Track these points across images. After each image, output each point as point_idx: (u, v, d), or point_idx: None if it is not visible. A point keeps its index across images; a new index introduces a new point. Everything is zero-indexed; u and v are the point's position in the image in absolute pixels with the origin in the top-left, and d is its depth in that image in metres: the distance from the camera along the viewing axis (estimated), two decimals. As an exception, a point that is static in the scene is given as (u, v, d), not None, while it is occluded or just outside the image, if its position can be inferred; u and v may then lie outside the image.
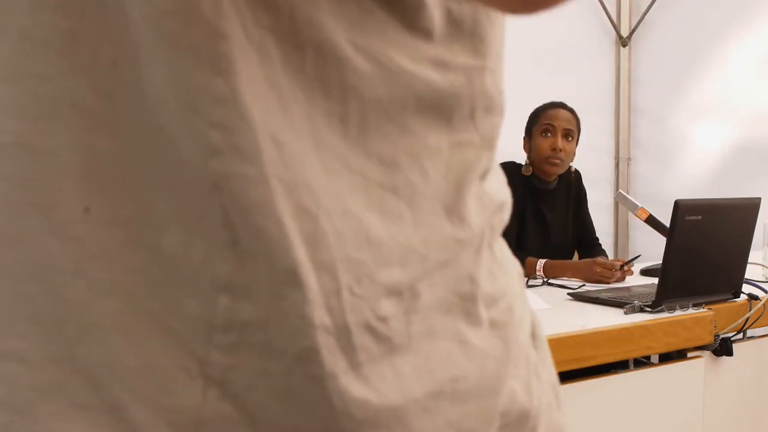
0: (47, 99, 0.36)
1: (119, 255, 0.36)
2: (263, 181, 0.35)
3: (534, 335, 0.51)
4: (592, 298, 1.99)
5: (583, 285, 2.26)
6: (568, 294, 2.07)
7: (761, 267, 2.39)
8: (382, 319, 0.38)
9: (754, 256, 2.15)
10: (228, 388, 0.37)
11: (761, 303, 1.99)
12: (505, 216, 0.48)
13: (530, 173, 2.57)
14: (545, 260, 2.39)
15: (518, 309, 0.48)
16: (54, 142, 0.36)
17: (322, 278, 0.36)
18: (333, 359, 0.36)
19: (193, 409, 0.36)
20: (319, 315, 0.36)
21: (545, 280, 2.34)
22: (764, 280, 2.28)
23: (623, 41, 4.13)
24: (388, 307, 0.38)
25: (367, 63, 0.37)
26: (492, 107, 0.45)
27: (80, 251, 0.36)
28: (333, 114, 0.37)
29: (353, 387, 0.37)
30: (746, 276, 2.07)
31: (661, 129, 4.02)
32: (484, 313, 0.44)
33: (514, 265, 0.50)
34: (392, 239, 0.39)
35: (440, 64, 0.40)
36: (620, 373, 1.79)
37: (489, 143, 0.45)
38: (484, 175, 0.45)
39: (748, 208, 2.02)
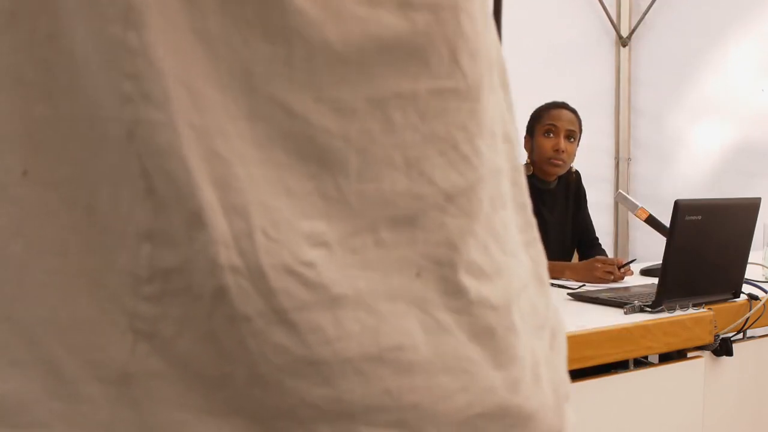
0: None
1: (56, 214, 0.38)
2: (171, 126, 0.36)
3: (553, 334, 0.49)
4: (592, 298, 1.99)
5: (583, 285, 2.26)
6: (568, 294, 2.07)
7: (761, 267, 2.39)
8: (308, 264, 0.37)
9: (754, 256, 2.15)
10: (156, 341, 0.37)
11: (761, 303, 1.99)
12: (502, 187, 0.45)
13: (531, 173, 2.57)
14: (545, 261, 2.39)
15: (527, 296, 0.46)
16: None
17: (233, 220, 0.36)
18: (245, 300, 0.36)
19: (122, 363, 0.37)
20: (227, 255, 0.36)
21: (545, 280, 2.33)
22: (764, 280, 2.28)
23: (623, 41, 4.13)
24: (314, 254, 0.38)
25: (313, 6, 0.37)
26: (477, 52, 0.42)
27: (19, 212, 0.38)
28: (277, 58, 0.37)
29: (271, 331, 0.37)
30: (746, 276, 2.07)
31: (661, 129, 4.02)
32: (471, 285, 0.42)
33: (532, 250, 0.48)
34: (318, 191, 0.38)
35: (403, 4, 0.39)
36: (620, 373, 1.79)
37: (476, 94, 0.42)
38: (465, 130, 0.42)
39: (748, 208, 2.02)
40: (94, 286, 0.37)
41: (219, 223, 0.36)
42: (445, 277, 0.41)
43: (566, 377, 0.50)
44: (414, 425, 0.40)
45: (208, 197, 0.36)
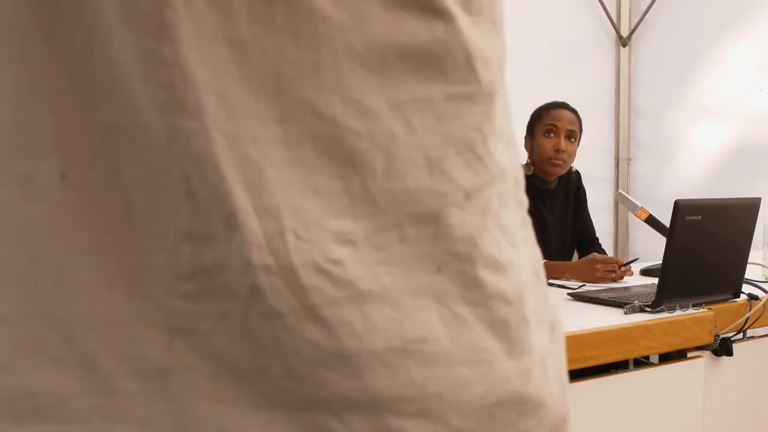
0: (30, 81, 0.40)
1: (93, 216, 0.39)
2: (205, 133, 0.37)
3: (553, 327, 0.51)
4: (592, 298, 1.99)
5: (583, 285, 2.26)
6: (568, 294, 2.07)
7: (761, 267, 2.39)
8: (335, 262, 0.39)
9: (754, 256, 2.15)
10: (192, 337, 0.39)
11: (761, 303, 1.99)
12: (507, 186, 0.47)
13: (531, 172, 2.57)
14: (544, 261, 2.38)
15: (531, 290, 0.48)
16: (35, 118, 0.40)
17: (265, 222, 0.38)
18: (278, 297, 0.38)
19: (158, 358, 0.39)
20: (260, 255, 0.38)
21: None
22: (764, 280, 2.28)
23: (623, 41, 4.13)
24: (341, 252, 0.40)
25: (340, 12, 0.39)
26: (490, 59, 0.45)
27: (57, 214, 0.40)
28: (306, 62, 0.39)
29: (303, 326, 0.39)
30: (746, 276, 2.07)
31: (661, 129, 4.02)
32: (488, 279, 0.44)
33: (529, 247, 0.50)
34: (346, 190, 0.40)
35: (425, 10, 0.41)
36: (620, 373, 1.79)
37: (489, 98, 0.45)
38: (480, 132, 0.45)
39: (748, 208, 2.02)
40: (130, 285, 0.39)
41: (252, 225, 0.38)
42: (465, 271, 0.43)
43: (566, 368, 0.52)
44: (437, 414, 0.42)
45: (241, 201, 0.38)
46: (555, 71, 3.69)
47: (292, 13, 0.38)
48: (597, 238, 2.79)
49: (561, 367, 0.51)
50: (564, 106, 2.59)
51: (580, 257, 2.68)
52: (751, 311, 1.98)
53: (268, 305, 0.38)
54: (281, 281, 0.38)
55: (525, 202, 0.51)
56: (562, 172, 2.59)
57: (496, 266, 0.45)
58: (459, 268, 0.43)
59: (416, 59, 0.41)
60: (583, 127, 2.64)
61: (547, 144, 2.53)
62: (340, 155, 0.40)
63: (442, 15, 0.42)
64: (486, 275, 0.44)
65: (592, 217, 2.81)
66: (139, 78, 0.38)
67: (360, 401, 0.40)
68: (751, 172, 3.56)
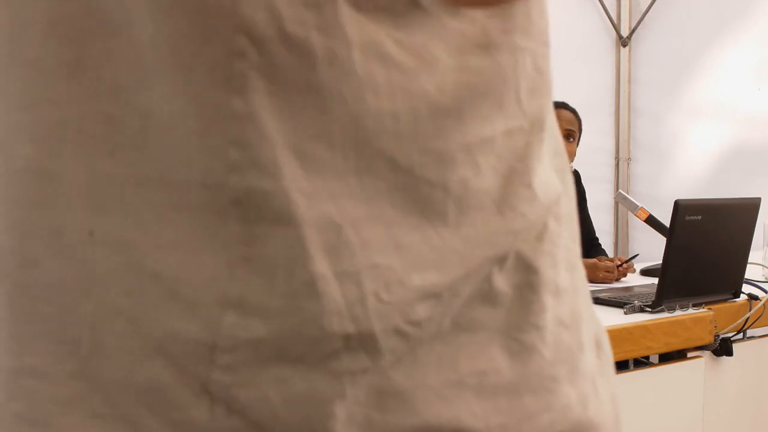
0: (55, 125, 0.37)
1: (121, 278, 0.37)
2: (283, 194, 0.35)
3: (598, 344, 0.50)
4: (592, 298, 1.99)
5: (583, 285, 2.25)
6: (568, 294, 2.07)
7: (761, 267, 2.39)
8: (415, 324, 0.38)
9: (754, 256, 2.15)
10: (234, 403, 0.37)
11: (761, 303, 1.99)
12: (562, 204, 0.46)
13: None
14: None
15: (582, 309, 0.47)
16: (61, 166, 0.37)
17: (346, 287, 0.36)
18: (354, 361, 0.37)
19: (203, 424, 0.37)
20: (340, 324, 0.36)
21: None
22: (764, 280, 2.28)
23: (623, 41, 4.13)
24: (423, 310, 0.38)
25: (410, 60, 0.37)
26: (535, 88, 0.43)
27: (86, 273, 0.37)
28: (383, 113, 0.37)
29: (369, 378, 0.38)
30: (746, 276, 2.07)
31: (661, 129, 4.02)
32: (550, 303, 0.43)
33: (579, 262, 0.49)
34: (426, 242, 0.38)
35: (485, 46, 0.40)
36: (620, 373, 1.79)
37: (539, 126, 0.44)
38: (536, 161, 0.43)
39: (748, 208, 2.02)
40: (160, 352, 0.37)
41: (332, 292, 0.36)
42: (528, 298, 0.42)
43: (614, 384, 0.51)
44: None
45: (321, 266, 0.36)
46: (555, 71, 3.68)
47: (369, 59, 0.36)
48: (597, 239, 2.79)
49: (610, 385, 0.50)
50: (563, 105, 2.60)
51: (580, 257, 2.68)
52: (751, 311, 1.98)
53: (340, 365, 0.37)
54: (359, 345, 0.37)
55: (576, 216, 0.50)
56: (562, 171, 2.59)
57: (556, 291, 0.44)
58: (523, 296, 0.42)
59: (482, 97, 0.40)
60: (583, 128, 2.64)
61: (546, 144, 2.53)
62: (415, 207, 0.38)
63: (504, 46, 0.41)
64: (548, 300, 0.43)
65: (592, 217, 2.81)
66: (195, 130, 0.35)
67: None
68: (751, 172, 3.56)
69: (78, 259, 0.37)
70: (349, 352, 0.37)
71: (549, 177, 0.45)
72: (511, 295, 0.42)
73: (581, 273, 0.48)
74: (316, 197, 0.36)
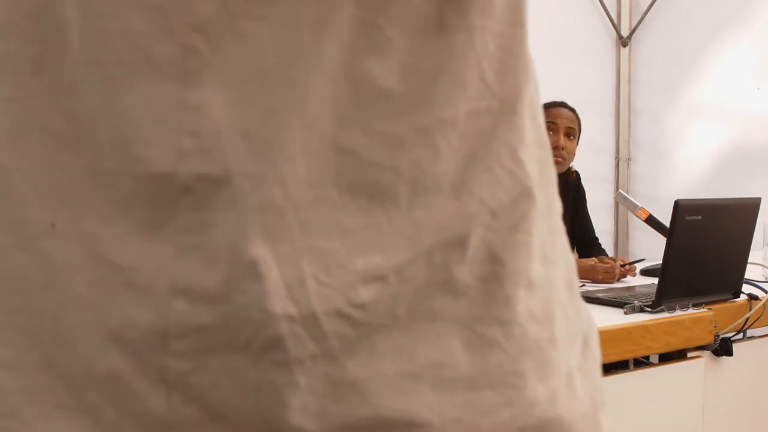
0: (18, 121, 0.38)
1: (81, 269, 0.38)
2: (228, 179, 0.36)
3: (586, 342, 0.49)
4: (592, 298, 1.99)
5: (584, 285, 2.26)
6: (568, 294, 2.07)
7: (761, 267, 2.39)
8: (359, 306, 0.38)
9: (754, 256, 2.15)
10: (190, 391, 0.37)
11: (761, 303, 1.99)
12: (540, 195, 0.45)
13: (530, 173, 2.57)
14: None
15: (556, 304, 0.46)
16: (24, 160, 0.38)
17: (285, 270, 0.37)
18: (299, 345, 0.37)
19: (161, 414, 0.37)
20: (282, 305, 0.37)
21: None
22: (764, 280, 2.28)
23: (623, 41, 4.13)
24: (366, 293, 0.38)
25: (364, 41, 0.38)
26: (505, 68, 0.43)
27: (47, 265, 0.38)
28: (325, 96, 0.37)
29: (319, 367, 0.38)
30: (746, 276, 2.07)
31: (661, 129, 4.02)
32: (519, 296, 0.42)
33: (564, 255, 0.48)
34: (372, 226, 0.38)
35: (439, 26, 0.40)
36: (620, 373, 1.79)
37: (511, 108, 0.43)
38: (503, 145, 0.43)
39: (748, 208, 2.02)
40: (118, 341, 0.37)
41: (272, 274, 0.36)
42: (493, 291, 0.41)
43: (600, 384, 0.50)
44: None
45: (262, 249, 0.36)
46: (555, 71, 3.69)
47: (318, 42, 0.37)
48: (597, 238, 2.79)
49: (593, 384, 0.48)
50: (562, 104, 2.60)
51: (580, 257, 2.68)
52: (751, 311, 1.98)
53: (287, 354, 0.37)
54: (302, 329, 0.37)
55: (559, 208, 0.48)
56: (562, 169, 2.59)
57: (528, 284, 0.43)
58: (487, 288, 0.41)
59: (440, 78, 0.40)
60: (583, 128, 2.64)
61: (546, 142, 2.53)
62: (363, 189, 0.38)
63: (460, 26, 0.40)
64: (517, 293, 0.42)
65: (592, 217, 2.81)
66: (149, 123, 0.36)
67: (375, 429, 0.38)
68: (750, 171, 3.56)
69: (40, 251, 0.38)
70: (294, 338, 0.37)
71: (526, 165, 0.44)
72: (474, 287, 0.41)
73: (562, 267, 0.47)
74: (262, 180, 0.36)
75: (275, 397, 0.37)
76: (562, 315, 0.46)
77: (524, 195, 0.43)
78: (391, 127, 0.39)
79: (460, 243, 0.41)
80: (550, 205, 0.47)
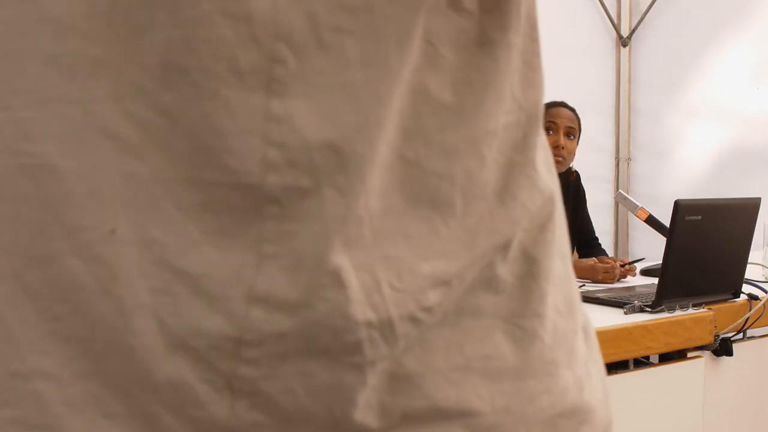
0: (74, 123, 0.36)
1: (144, 275, 0.37)
2: (317, 191, 0.36)
3: (586, 331, 0.51)
4: (592, 298, 1.99)
5: (584, 285, 2.26)
6: (568, 294, 2.07)
7: (761, 267, 2.39)
8: (427, 310, 0.40)
9: (754, 256, 2.15)
10: (257, 397, 0.37)
11: (761, 303, 1.99)
12: (555, 198, 0.48)
13: (530, 173, 2.57)
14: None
15: (574, 296, 0.49)
16: (81, 164, 0.36)
17: (362, 277, 0.38)
18: (375, 349, 0.38)
19: (223, 420, 0.37)
20: (363, 311, 0.37)
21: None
22: (764, 280, 2.28)
23: (623, 41, 4.13)
24: (434, 296, 0.40)
25: (421, 56, 0.39)
26: (528, 82, 0.45)
27: (106, 271, 0.37)
28: (394, 108, 0.38)
29: (386, 366, 0.39)
30: (746, 276, 2.07)
31: (661, 129, 4.02)
32: (548, 291, 0.45)
33: (568, 251, 0.51)
34: (433, 232, 0.40)
35: (482, 43, 0.42)
36: (620, 373, 1.79)
37: (535, 119, 0.45)
38: (534, 152, 0.45)
39: (748, 208, 2.02)
40: (182, 348, 0.37)
41: (353, 282, 0.37)
42: (529, 287, 0.44)
43: (604, 372, 0.53)
44: (506, 427, 0.42)
45: (342, 258, 0.37)
46: (555, 71, 3.67)
47: (402, 59, 0.38)
48: (597, 238, 2.79)
49: (601, 372, 0.51)
50: (562, 104, 2.60)
51: (580, 257, 2.68)
52: (751, 311, 1.98)
53: (363, 358, 0.38)
54: (379, 333, 0.38)
55: (563, 210, 0.52)
56: (562, 169, 2.59)
57: (553, 280, 0.46)
58: (525, 284, 0.44)
59: (487, 92, 0.42)
60: (583, 128, 2.64)
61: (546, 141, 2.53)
62: (424, 198, 0.40)
63: (502, 43, 0.42)
64: (547, 288, 0.45)
65: (592, 217, 2.81)
66: (232, 134, 0.36)
67: (432, 419, 0.40)
68: (750, 171, 3.56)
69: (97, 258, 0.37)
70: (371, 342, 0.38)
71: (541, 168, 0.47)
72: (513, 284, 0.43)
73: (570, 261, 0.51)
74: (349, 193, 0.37)
75: (346, 397, 0.38)
76: (577, 307, 0.49)
77: (551, 197, 0.47)
78: (447, 138, 0.40)
79: (506, 246, 0.43)
80: (560, 204, 0.50)
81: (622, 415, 1.77)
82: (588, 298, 2.00)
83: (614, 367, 1.78)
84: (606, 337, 1.67)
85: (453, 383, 0.41)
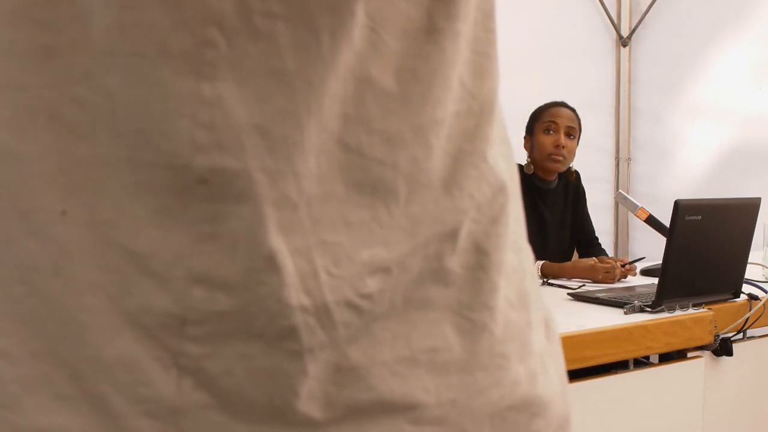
0: (25, 109, 0.38)
1: (95, 255, 0.38)
2: (245, 173, 0.37)
3: (547, 325, 0.51)
4: (592, 298, 2.00)
5: (583, 285, 2.26)
6: (568, 294, 2.07)
7: (761, 267, 2.39)
8: (366, 296, 0.40)
9: (754, 256, 2.15)
10: (202, 376, 0.38)
11: (761, 303, 1.99)
12: (510, 188, 0.48)
13: (531, 172, 2.57)
14: (543, 261, 2.39)
15: (529, 289, 0.49)
16: (32, 148, 0.38)
17: (298, 262, 0.38)
18: (311, 335, 0.38)
19: (170, 399, 0.38)
20: (297, 296, 0.38)
21: (545, 280, 2.34)
22: (764, 280, 2.28)
23: (623, 41, 4.13)
24: (373, 283, 0.40)
25: (365, 43, 0.39)
26: (481, 71, 0.45)
27: (58, 251, 0.38)
28: (335, 96, 0.39)
29: (327, 355, 0.39)
30: (746, 276, 2.07)
31: (661, 129, 4.02)
32: (501, 283, 0.45)
33: (525, 244, 0.51)
34: (375, 220, 0.40)
35: (429, 31, 0.42)
36: (620, 373, 1.79)
37: (489, 108, 0.46)
38: (485, 143, 0.45)
39: (748, 208, 2.02)
40: (132, 325, 0.38)
41: (288, 267, 0.38)
42: (479, 279, 0.44)
43: (564, 365, 0.53)
44: (453, 420, 0.42)
45: (278, 242, 0.37)
46: (555, 71, 3.69)
47: (336, 47, 0.38)
48: (597, 238, 2.79)
49: (559, 365, 0.51)
50: (563, 104, 2.60)
51: (580, 257, 2.68)
52: (751, 311, 1.98)
53: (300, 344, 0.38)
54: (315, 319, 0.38)
55: (520, 199, 0.52)
56: (563, 168, 2.59)
57: (505, 272, 0.46)
58: (474, 276, 0.44)
59: (433, 81, 0.42)
60: (583, 128, 2.64)
61: (546, 141, 2.53)
62: (366, 185, 0.40)
63: (450, 31, 0.42)
64: (498, 281, 0.45)
65: (592, 217, 2.81)
66: (164, 114, 0.36)
67: (377, 412, 0.40)
68: (751, 171, 3.56)
69: (50, 238, 0.38)
70: (307, 328, 0.38)
71: (498, 161, 0.47)
72: (463, 276, 0.43)
73: (527, 254, 0.50)
74: (278, 176, 0.37)
75: (286, 385, 0.38)
76: (532, 300, 0.49)
77: (501, 189, 0.46)
78: (391, 126, 0.41)
79: (452, 236, 0.43)
80: (516, 196, 0.50)
81: (622, 415, 1.77)
82: (588, 298, 2.00)
83: (614, 367, 1.78)
84: (606, 337, 1.67)
85: (398, 376, 0.41)
